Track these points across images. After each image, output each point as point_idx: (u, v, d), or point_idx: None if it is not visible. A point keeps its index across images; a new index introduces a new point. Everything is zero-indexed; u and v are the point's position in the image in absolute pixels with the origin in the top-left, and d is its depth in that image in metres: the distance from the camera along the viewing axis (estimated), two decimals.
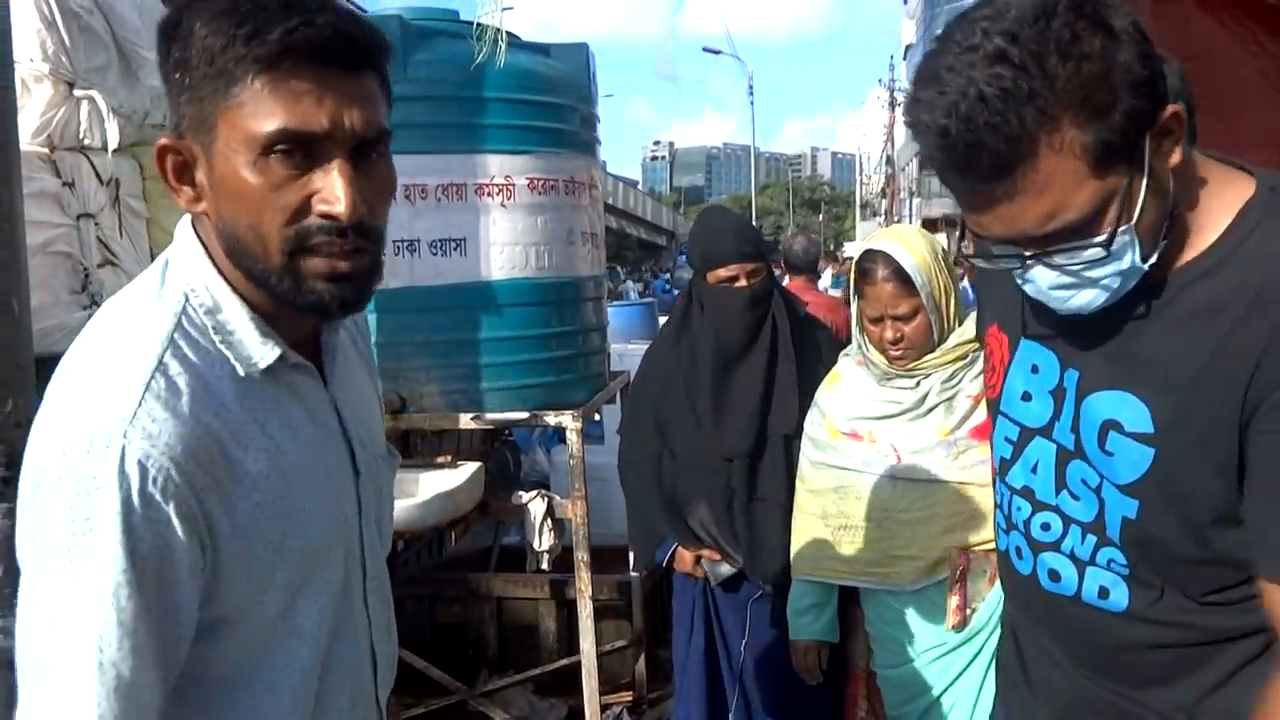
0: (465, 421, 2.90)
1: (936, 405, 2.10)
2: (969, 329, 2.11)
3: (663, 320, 3.18)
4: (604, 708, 3.22)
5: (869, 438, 2.15)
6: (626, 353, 4.75)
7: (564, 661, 3.49)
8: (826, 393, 2.28)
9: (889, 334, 2.08)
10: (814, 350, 2.52)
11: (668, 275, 26.63)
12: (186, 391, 0.90)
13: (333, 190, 0.91)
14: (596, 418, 4.33)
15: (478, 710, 3.44)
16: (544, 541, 3.01)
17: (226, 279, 0.96)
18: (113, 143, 2.97)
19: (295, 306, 0.96)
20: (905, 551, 2.09)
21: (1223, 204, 1.08)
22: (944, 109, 0.95)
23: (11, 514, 1.76)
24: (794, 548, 2.29)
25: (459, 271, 2.86)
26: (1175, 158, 1.02)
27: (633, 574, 3.43)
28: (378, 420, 1.20)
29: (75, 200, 2.90)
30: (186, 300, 0.95)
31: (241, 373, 0.95)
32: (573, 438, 2.94)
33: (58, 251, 2.84)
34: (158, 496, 0.87)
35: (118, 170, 3.05)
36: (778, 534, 2.40)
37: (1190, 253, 1.08)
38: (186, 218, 1.00)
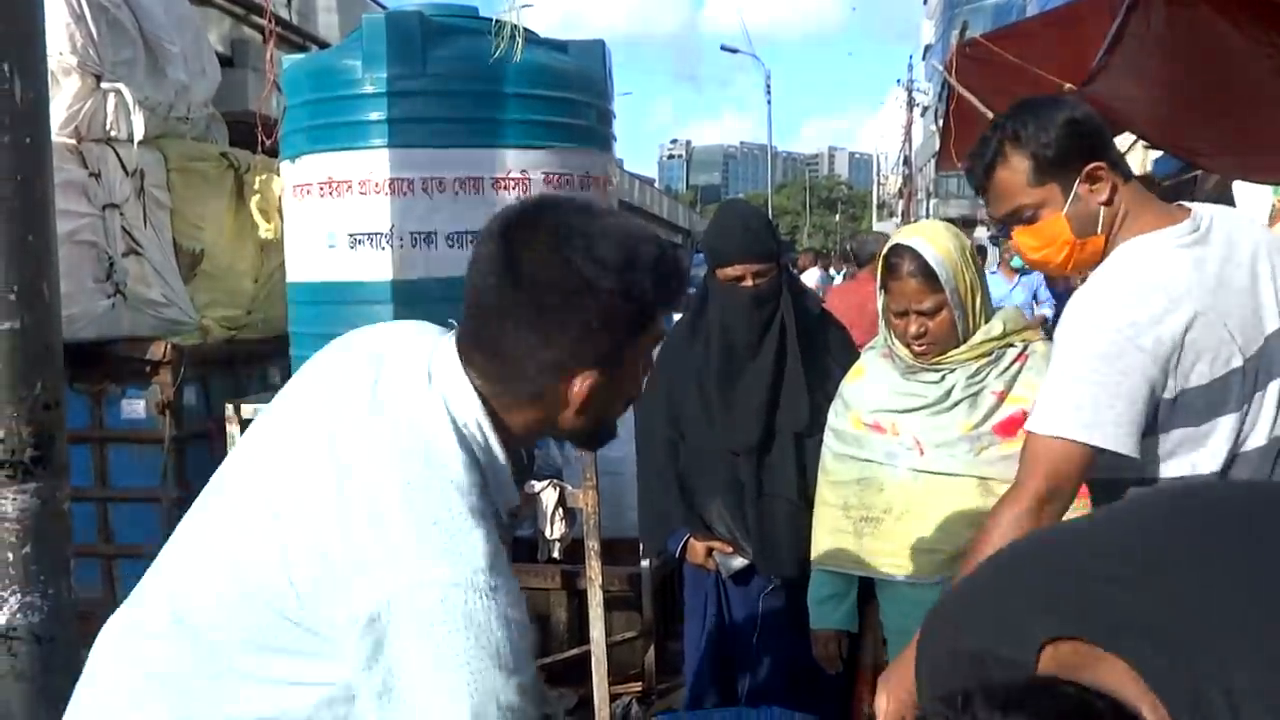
0: None
1: (961, 400, 2.11)
2: (995, 326, 2.13)
3: (676, 316, 3.20)
4: (613, 698, 3.26)
5: (892, 430, 2.16)
6: None
7: (574, 651, 3.53)
8: (851, 385, 2.29)
9: (913, 328, 2.09)
10: (825, 349, 2.54)
11: None
12: (491, 526, 1.04)
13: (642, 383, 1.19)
14: None
15: None
16: (555, 530, 3.05)
17: (502, 442, 1.11)
18: (138, 134, 3.03)
19: (593, 441, 1.23)
20: (926, 545, 2.10)
21: None
22: None
23: (40, 494, 1.81)
24: (815, 539, 2.30)
25: None
26: None
27: (644, 565, 3.46)
28: None
29: (101, 190, 2.96)
30: (475, 452, 1.08)
31: (502, 517, 1.12)
32: None
33: (83, 240, 2.90)
34: (521, 617, 1.02)
35: (143, 161, 3.11)
36: (787, 529, 2.42)
37: None
38: (448, 351, 1.12)
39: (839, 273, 17.12)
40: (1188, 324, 1.57)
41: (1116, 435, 1.57)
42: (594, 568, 3.02)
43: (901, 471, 2.14)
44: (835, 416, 2.30)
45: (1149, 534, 0.97)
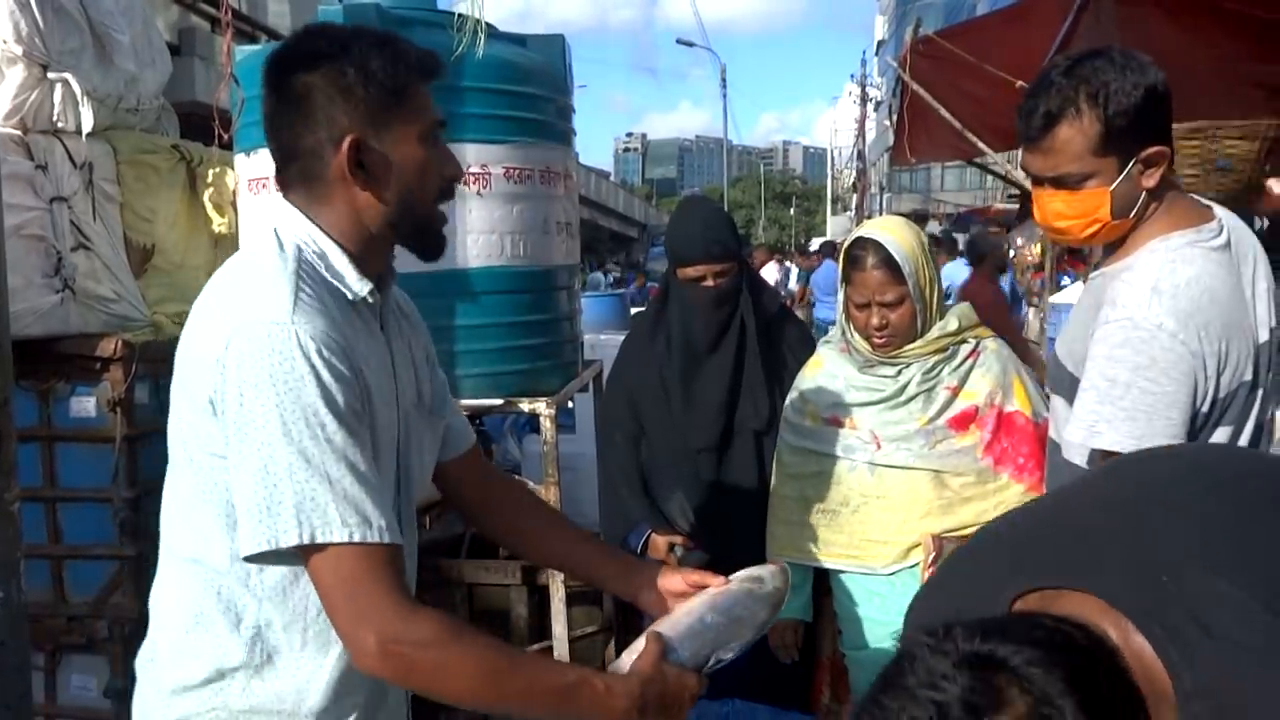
0: None
1: (916, 395, 2.15)
2: (950, 322, 2.18)
3: (634, 311, 3.21)
4: None
5: (849, 424, 2.20)
6: (599, 343, 4.78)
7: (535, 647, 3.53)
8: (807, 378, 2.32)
9: (875, 320, 2.13)
10: (784, 346, 2.56)
11: (634, 269, 26.51)
12: (318, 301, 1.22)
13: (457, 161, 1.39)
14: (570, 405, 4.36)
15: None
16: None
17: (330, 236, 1.29)
18: (87, 126, 2.95)
19: (420, 243, 1.37)
20: (881, 536, 2.15)
21: None
22: None
23: None
24: (771, 530, 2.33)
25: None
26: None
27: None
28: (413, 383, 1.46)
29: (48, 183, 2.88)
30: (300, 250, 1.26)
31: (348, 297, 1.28)
32: (546, 424, 2.97)
33: (30, 235, 2.82)
34: (331, 358, 1.17)
35: (91, 154, 3.03)
36: (747, 526, 2.44)
37: None
38: (286, 204, 1.31)
39: (797, 268, 17.22)
40: (1227, 330, 1.50)
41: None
42: None
43: (859, 465, 2.18)
44: (792, 410, 2.33)
45: (1096, 491, 1.07)
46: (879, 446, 2.16)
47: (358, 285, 1.29)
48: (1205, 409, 1.51)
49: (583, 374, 3.40)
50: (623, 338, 2.96)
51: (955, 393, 2.15)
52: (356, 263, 1.30)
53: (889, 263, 2.10)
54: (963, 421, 2.14)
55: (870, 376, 2.20)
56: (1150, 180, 1.56)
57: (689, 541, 2.55)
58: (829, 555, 2.23)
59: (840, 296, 2.24)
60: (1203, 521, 0.92)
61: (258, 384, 1.15)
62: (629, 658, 1.36)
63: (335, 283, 1.27)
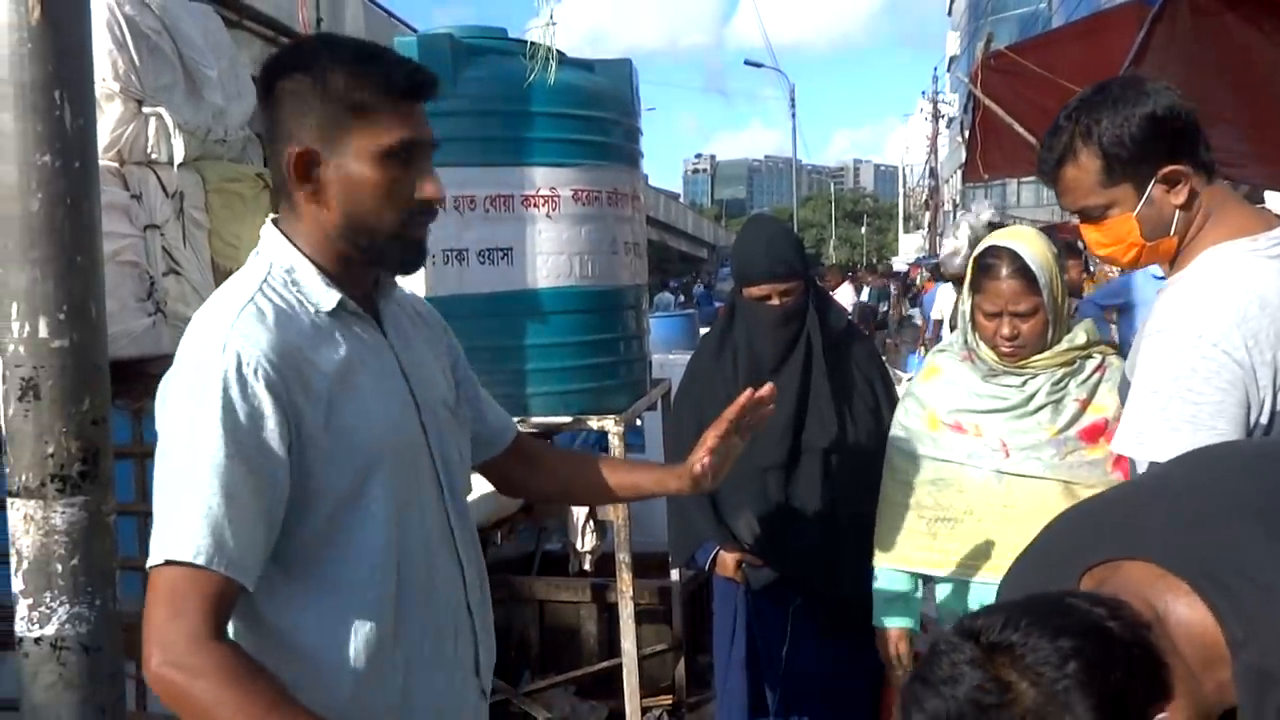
0: None
1: (1044, 405, 2.11)
2: (1079, 335, 2.14)
3: (704, 331, 3.23)
4: (644, 710, 3.27)
5: (975, 431, 2.16)
6: (668, 363, 4.81)
7: (605, 664, 3.55)
8: (925, 385, 2.28)
9: (1006, 330, 2.10)
10: (851, 365, 2.55)
11: (704, 286, 26.51)
12: (272, 315, 1.23)
13: (435, 184, 1.33)
14: (638, 423, 4.39)
15: (521, 710, 3.51)
16: (586, 543, 3.07)
17: (300, 250, 1.30)
18: (178, 157, 3.10)
19: (385, 262, 1.34)
20: (1007, 546, 2.08)
21: None
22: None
23: (87, 507, 1.86)
24: (880, 537, 2.29)
25: (505, 280, 2.93)
26: None
27: (674, 577, 3.48)
28: (439, 382, 1.47)
29: (142, 212, 3.03)
30: (270, 266, 1.29)
31: (314, 312, 1.28)
32: (615, 442, 3.00)
33: (125, 261, 2.97)
34: (250, 377, 1.17)
35: (182, 183, 3.18)
36: (815, 543, 2.43)
37: None
38: (269, 222, 1.34)
39: (868, 288, 16.99)
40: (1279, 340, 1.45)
41: None
42: (625, 580, 3.04)
43: (985, 473, 2.14)
44: (907, 415, 2.28)
45: (1157, 478, 1.20)
46: (1008, 455, 2.12)
47: (322, 297, 1.29)
48: (1265, 421, 1.46)
49: (651, 392, 3.43)
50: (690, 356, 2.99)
51: (1084, 406, 2.11)
52: (327, 275, 1.29)
53: (1024, 272, 2.07)
54: (1093, 434, 2.10)
55: (994, 385, 2.15)
56: (1178, 198, 1.56)
57: (757, 559, 2.55)
58: (949, 564, 2.18)
59: (966, 305, 2.21)
60: (1258, 494, 1.01)
61: (177, 397, 1.19)
62: None
63: (301, 296, 1.28)
